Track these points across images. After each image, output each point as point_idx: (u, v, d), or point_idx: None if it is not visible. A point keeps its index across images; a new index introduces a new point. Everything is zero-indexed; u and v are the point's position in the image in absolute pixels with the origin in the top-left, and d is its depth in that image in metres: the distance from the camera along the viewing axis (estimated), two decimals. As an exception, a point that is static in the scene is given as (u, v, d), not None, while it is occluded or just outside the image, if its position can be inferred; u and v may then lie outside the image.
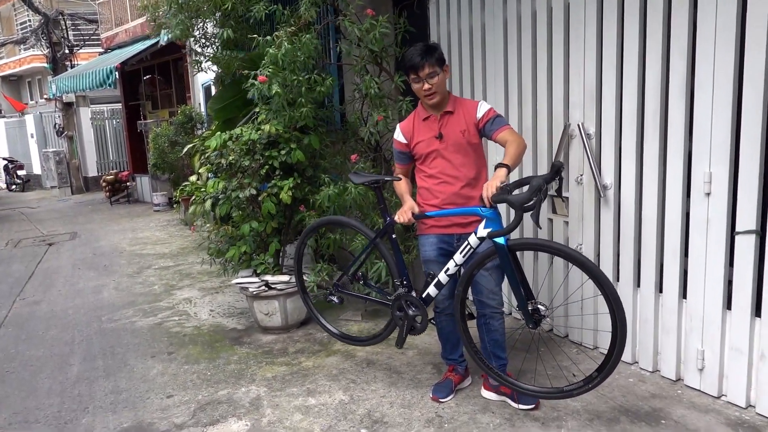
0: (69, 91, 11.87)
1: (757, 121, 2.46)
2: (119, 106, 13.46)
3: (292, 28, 3.70)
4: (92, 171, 14.61)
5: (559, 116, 3.32)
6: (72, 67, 14.14)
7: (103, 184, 12.22)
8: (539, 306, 2.53)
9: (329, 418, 2.80)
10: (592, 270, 2.36)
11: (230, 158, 3.61)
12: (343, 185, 3.55)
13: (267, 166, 3.67)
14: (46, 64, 14.91)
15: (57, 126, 14.84)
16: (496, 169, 2.51)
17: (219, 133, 3.80)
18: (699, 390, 2.84)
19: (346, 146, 4.22)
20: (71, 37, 14.84)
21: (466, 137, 2.72)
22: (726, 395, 2.75)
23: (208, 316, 4.44)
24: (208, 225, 7.83)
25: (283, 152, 3.62)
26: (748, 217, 2.55)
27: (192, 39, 4.72)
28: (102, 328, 4.30)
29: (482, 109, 2.72)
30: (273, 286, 3.81)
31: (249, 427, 2.77)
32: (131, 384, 3.32)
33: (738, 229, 2.59)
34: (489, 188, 2.43)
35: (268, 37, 3.64)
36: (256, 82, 3.51)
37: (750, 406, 2.67)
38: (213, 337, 3.98)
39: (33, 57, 20.26)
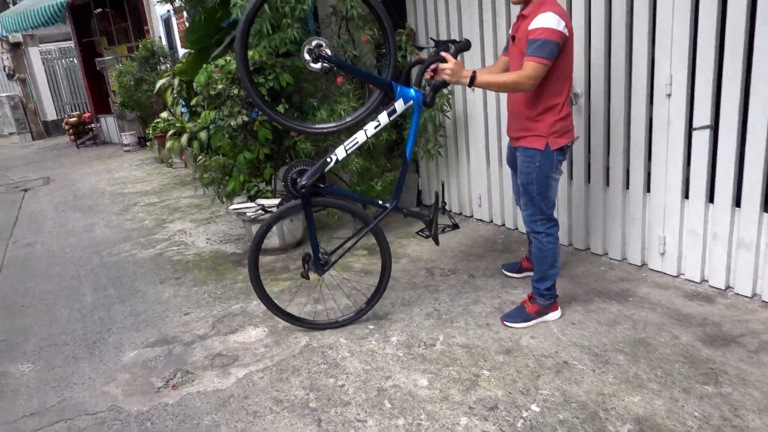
0: (16, 30, 11.26)
1: (712, 23, 2.70)
2: (70, 44, 12.88)
3: None
4: (51, 114, 14.17)
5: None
6: (14, 3, 13.32)
7: (66, 127, 11.92)
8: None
9: (338, 320, 3.12)
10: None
11: (219, 87, 3.70)
12: (331, 108, 3.69)
13: (255, 94, 3.77)
14: (-17, 2, 14.00)
15: (6, 69, 14.17)
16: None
17: (205, 66, 3.85)
18: (661, 271, 3.24)
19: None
20: (8, -29, 13.87)
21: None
22: (684, 273, 3.16)
23: (206, 243, 4.65)
24: (176, 159, 7.80)
25: (270, 78, 3.72)
26: (703, 114, 2.84)
27: None
28: (104, 262, 4.48)
29: (535, 23, 2.42)
30: (269, 209, 4.02)
31: (267, 332, 3.07)
32: (147, 306, 3.57)
33: (694, 125, 2.89)
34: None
35: None
36: (239, 1, 3.50)
37: (704, 280, 3.08)
38: (215, 262, 4.21)
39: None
